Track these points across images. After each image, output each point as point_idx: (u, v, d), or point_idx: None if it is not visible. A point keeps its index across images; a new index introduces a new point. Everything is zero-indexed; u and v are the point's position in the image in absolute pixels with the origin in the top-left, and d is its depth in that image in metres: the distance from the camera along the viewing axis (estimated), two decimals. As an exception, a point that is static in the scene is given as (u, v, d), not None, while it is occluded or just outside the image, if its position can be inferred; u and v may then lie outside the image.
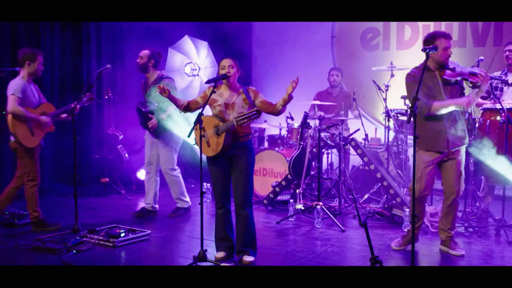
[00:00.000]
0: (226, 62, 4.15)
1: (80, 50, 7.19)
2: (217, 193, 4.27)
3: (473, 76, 4.22)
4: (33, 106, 5.18)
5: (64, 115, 5.37)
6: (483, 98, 5.83)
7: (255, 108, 4.10)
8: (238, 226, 4.22)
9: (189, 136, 4.04)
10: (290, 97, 3.97)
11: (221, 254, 4.27)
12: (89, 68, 7.30)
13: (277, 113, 4.09)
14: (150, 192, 5.84)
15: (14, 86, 5.04)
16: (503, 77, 5.71)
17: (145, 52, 5.57)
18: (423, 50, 3.96)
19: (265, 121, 7.18)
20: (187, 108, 4.24)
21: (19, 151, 5.18)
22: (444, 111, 4.21)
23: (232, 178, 4.21)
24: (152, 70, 5.60)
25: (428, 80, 4.27)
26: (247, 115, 3.93)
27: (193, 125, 3.96)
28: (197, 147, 4.20)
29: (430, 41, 4.23)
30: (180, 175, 5.81)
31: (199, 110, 4.11)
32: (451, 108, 4.23)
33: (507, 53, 5.65)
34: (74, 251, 4.34)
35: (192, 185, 7.49)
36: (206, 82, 4.18)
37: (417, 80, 4.04)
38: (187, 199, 5.89)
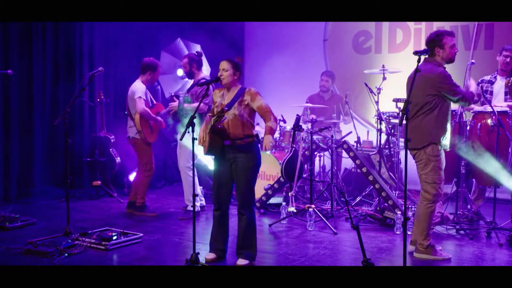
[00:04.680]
0: (221, 65, 4.21)
1: (72, 52, 7.15)
2: (214, 195, 4.31)
3: None
4: (148, 107, 5.82)
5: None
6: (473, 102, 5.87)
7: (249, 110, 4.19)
8: (239, 229, 4.27)
9: (181, 139, 4.03)
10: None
11: (210, 256, 4.31)
12: (81, 70, 7.27)
13: None
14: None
15: (140, 89, 5.70)
16: (493, 81, 5.75)
17: (184, 61, 5.86)
18: (415, 53, 3.99)
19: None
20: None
21: (138, 146, 5.86)
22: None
23: (234, 182, 4.24)
24: (197, 73, 5.86)
25: None
26: (217, 115, 3.99)
27: (185, 127, 3.95)
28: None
29: (436, 40, 4.30)
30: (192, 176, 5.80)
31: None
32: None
33: (508, 59, 5.53)
34: (66, 254, 4.32)
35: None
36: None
37: None
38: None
